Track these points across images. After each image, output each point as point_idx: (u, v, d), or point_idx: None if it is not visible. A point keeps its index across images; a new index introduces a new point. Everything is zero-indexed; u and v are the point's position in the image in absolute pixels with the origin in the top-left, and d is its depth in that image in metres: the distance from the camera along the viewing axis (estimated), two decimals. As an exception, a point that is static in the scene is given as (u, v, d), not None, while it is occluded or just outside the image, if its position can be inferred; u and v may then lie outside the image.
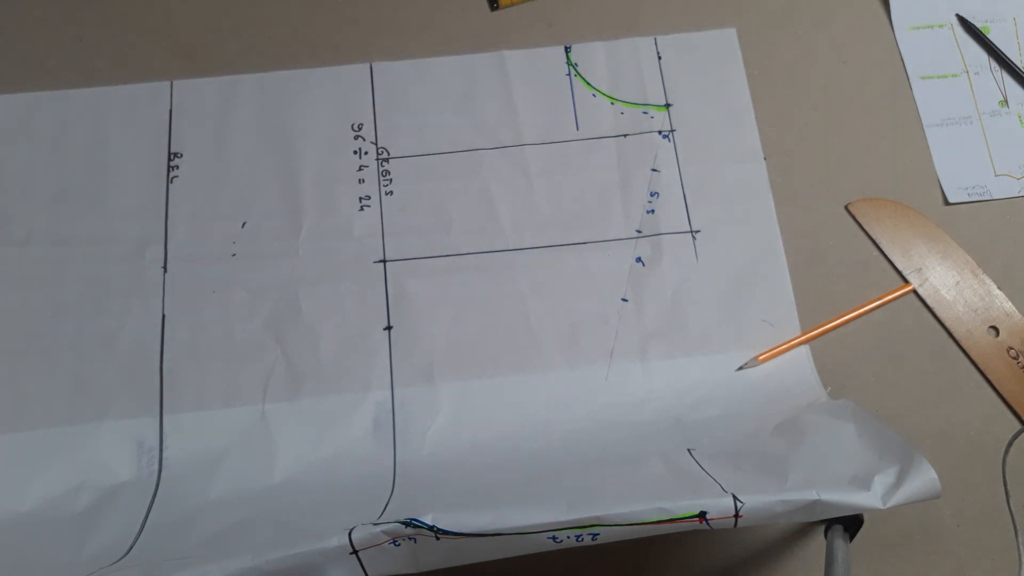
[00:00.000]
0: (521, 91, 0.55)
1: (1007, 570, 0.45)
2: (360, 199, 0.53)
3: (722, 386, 0.49)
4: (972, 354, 0.50)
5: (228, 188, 0.52)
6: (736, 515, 0.34)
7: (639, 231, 0.52)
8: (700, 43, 0.57)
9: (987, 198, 0.53)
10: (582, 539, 0.35)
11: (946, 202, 0.53)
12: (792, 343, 0.50)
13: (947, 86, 0.56)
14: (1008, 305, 0.50)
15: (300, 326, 0.50)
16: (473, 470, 0.45)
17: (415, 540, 0.35)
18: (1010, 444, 0.42)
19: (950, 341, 0.50)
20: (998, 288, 0.51)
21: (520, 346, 0.49)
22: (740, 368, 0.49)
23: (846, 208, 0.53)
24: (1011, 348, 0.50)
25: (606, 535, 0.35)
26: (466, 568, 0.37)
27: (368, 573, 0.35)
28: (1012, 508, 0.41)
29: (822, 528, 0.42)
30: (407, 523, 0.34)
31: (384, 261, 0.51)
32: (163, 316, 0.50)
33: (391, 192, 0.53)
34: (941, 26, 0.57)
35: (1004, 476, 0.41)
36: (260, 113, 0.54)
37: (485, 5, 0.57)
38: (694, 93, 0.55)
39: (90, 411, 0.47)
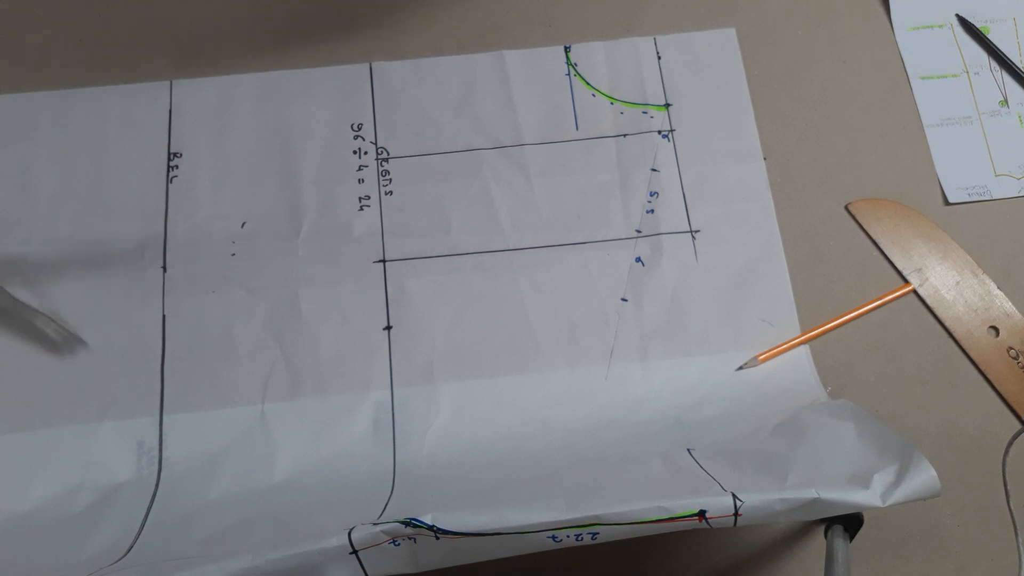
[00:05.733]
0: (521, 91, 0.55)
1: (1007, 570, 0.45)
2: (360, 199, 0.53)
3: (722, 386, 0.49)
4: (972, 354, 0.50)
5: (228, 188, 0.52)
6: (736, 514, 0.34)
7: (639, 231, 0.52)
8: (700, 43, 0.57)
9: (987, 198, 0.53)
10: (582, 538, 0.35)
11: (946, 202, 0.53)
12: (792, 343, 0.49)
13: (947, 86, 0.56)
14: (1008, 305, 0.50)
15: (300, 326, 0.50)
16: (473, 470, 0.45)
17: (415, 540, 0.35)
18: (1010, 444, 0.42)
19: (950, 341, 0.50)
20: (998, 288, 0.51)
21: (520, 346, 0.50)
22: (740, 368, 0.49)
23: (846, 208, 0.53)
24: (1011, 348, 0.49)
25: (606, 534, 0.35)
26: (466, 568, 0.37)
27: (368, 573, 0.35)
28: (1012, 508, 0.41)
29: (822, 528, 0.42)
30: (407, 523, 0.34)
31: (384, 261, 0.51)
32: (163, 316, 0.50)
33: (391, 192, 0.53)
34: (941, 26, 0.57)
35: (1004, 476, 0.41)
36: (260, 113, 0.54)
37: (485, 4, 0.57)
38: (694, 93, 0.55)
39: (90, 411, 0.47)
